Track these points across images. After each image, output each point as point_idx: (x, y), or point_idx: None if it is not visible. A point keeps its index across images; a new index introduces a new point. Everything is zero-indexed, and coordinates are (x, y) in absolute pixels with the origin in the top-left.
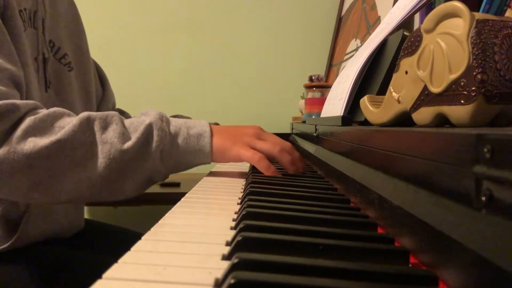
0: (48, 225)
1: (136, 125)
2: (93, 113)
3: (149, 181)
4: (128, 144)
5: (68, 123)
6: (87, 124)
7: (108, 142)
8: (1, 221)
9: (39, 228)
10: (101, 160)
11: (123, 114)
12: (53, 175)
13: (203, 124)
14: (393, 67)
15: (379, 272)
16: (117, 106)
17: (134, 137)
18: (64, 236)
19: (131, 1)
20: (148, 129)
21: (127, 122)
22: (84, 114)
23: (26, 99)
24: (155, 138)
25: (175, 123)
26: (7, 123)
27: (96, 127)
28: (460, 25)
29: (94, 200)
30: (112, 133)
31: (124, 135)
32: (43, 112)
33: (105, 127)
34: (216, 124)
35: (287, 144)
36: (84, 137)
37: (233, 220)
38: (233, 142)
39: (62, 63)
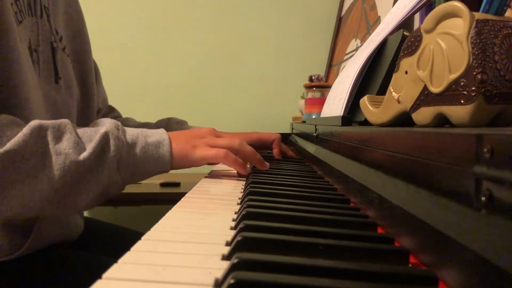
0: (59, 230)
1: (90, 134)
2: (45, 122)
3: (104, 194)
4: (83, 155)
5: (17, 134)
6: (38, 133)
7: (62, 153)
8: (15, 228)
9: (50, 234)
10: (55, 172)
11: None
12: (0, 188)
13: (160, 132)
14: (393, 67)
15: (379, 272)
16: (116, 107)
17: (90, 147)
18: (70, 239)
19: (131, 1)
20: (104, 138)
21: (80, 131)
22: (35, 122)
23: (20, 95)
24: (112, 147)
25: (131, 132)
26: None
27: (49, 136)
28: (460, 25)
29: (42, 215)
30: (66, 143)
31: (79, 145)
32: None
33: (58, 136)
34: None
35: (238, 142)
36: (35, 147)
37: (233, 220)
38: (193, 146)
39: (65, 53)
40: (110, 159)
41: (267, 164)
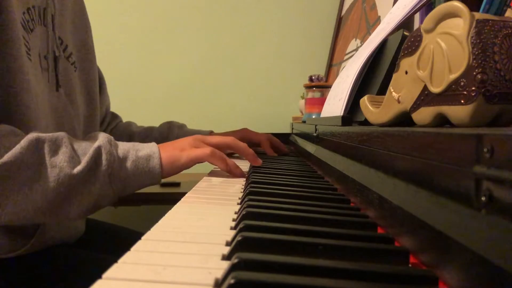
0: (60, 233)
1: (84, 148)
2: (42, 134)
3: (95, 206)
4: (77, 168)
5: (14, 144)
6: (35, 146)
7: (57, 166)
8: (16, 230)
9: (52, 237)
10: (49, 184)
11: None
12: None
13: (151, 146)
14: (393, 67)
15: (379, 272)
16: (117, 108)
17: (84, 161)
18: (71, 241)
19: (132, 2)
20: (97, 152)
21: (76, 145)
22: (33, 135)
23: (21, 102)
24: (104, 162)
25: (123, 146)
26: None
27: (46, 149)
28: (460, 25)
29: (36, 222)
30: (61, 156)
31: (74, 158)
32: None
33: (54, 150)
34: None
35: (231, 138)
36: (32, 159)
37: (233, 220)
38: (181, 150)
39: (69, 62)
40: (102, 173)
41: (260, 160)
